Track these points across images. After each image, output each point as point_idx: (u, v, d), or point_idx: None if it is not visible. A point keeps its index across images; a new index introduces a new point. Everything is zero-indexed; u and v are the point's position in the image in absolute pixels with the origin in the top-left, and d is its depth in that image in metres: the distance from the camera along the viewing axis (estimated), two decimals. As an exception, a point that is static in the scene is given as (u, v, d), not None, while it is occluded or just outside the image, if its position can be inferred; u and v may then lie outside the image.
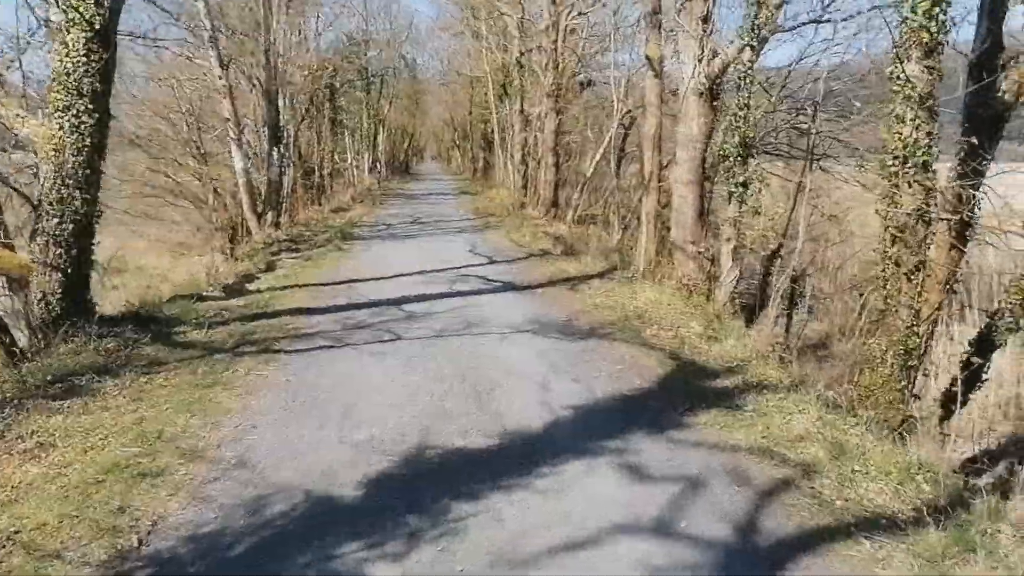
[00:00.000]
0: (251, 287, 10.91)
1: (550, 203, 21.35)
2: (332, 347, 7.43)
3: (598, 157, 20.84)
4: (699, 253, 10.56)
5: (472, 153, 50.55)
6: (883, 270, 6.98)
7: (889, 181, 6.81)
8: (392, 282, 11.36)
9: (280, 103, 19.68)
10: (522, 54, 27.14)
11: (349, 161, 40.87)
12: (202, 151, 19.94)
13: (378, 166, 47.42)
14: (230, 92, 17.07)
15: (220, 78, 16.77)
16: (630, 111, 20.23)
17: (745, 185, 9.77)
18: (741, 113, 9.54)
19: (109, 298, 11.05)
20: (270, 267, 13.04)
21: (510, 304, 9.79)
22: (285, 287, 10.75)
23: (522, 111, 28.11)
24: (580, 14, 20.83)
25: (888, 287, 6.99)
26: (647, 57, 14.22)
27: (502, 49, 31.36)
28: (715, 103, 10.21)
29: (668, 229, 15.96)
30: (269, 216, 18.20)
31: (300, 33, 26.93)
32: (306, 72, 25.80)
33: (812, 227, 13.73)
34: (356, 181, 40.80)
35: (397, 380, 6.30)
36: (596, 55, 26.94)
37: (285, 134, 20.22)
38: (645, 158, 14.52)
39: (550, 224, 19.87)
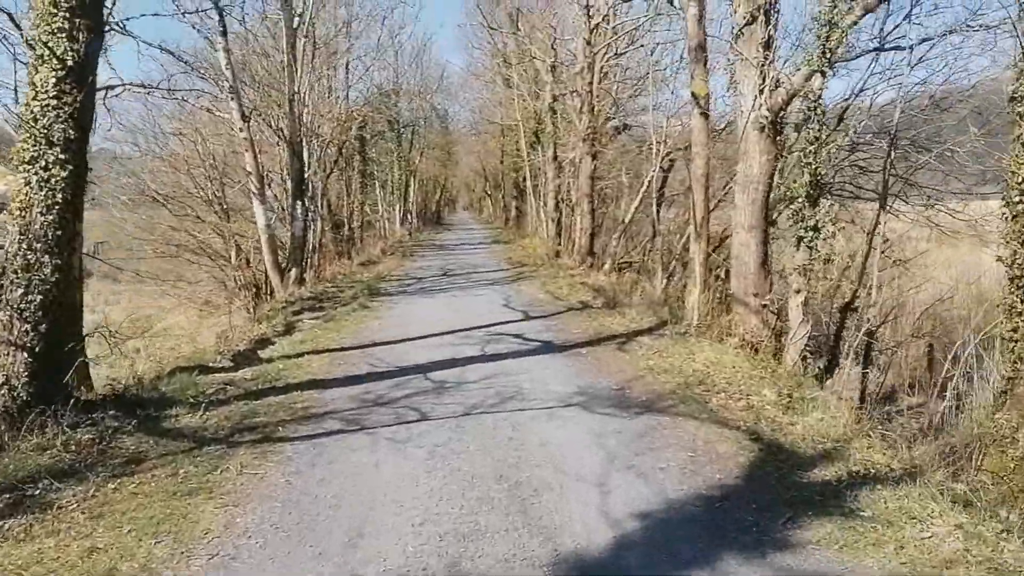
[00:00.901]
0: (264, 354, 9.87)
1: (586, 251, 20.25)
2: (344, 432, 6.29)
3: (637, 202, 19.76)
4: (763, 306, 9.32)
5: (504, 202, 49.94)
6: (1013, 330, 5.68)
7: (1016, 221, 5.56)
8: (419, 344, 10.26)
9: (305, 155, 18.98)
10: (555, 99, 26.39)
11: (380, 213, 40.36)
12: (224, 207, 19.25)
13: (409, 217, 46.92)
14: (252, 145, 16.36)
15: (241, 130, 16.10)
16: (670, 153, 19.20)
17: (816, 229, 8.56)
18: (811, 148, 8.37)
19: (116, 370, 10.13)
20: (289, 329, 12.04)
21: (552, 369, 8.60)
22: (301, 354, 9.69)
23: (555, 157, 27.29)
24: (616, 55, 19.97)
25: (1018, 350, 5.68)
26: (693, 95, 13.18)
27: (534, 96, 30.72)
28: (778, 138, 9.07)
29: (719, 279, 14.76)
30: (293, 273, 17.31)
31: (328, 84, 26.60)
32: (334, 123, 25.34)
33: (882, 273, 12.42)
34: (387, 233, 40.23)
35: (419, 483, 5.10)
36: (630, 99, 26.12)
37: (310, 187, 19.47)
38: (694, 201, 13.39)
39: (587, 274, 18.75)
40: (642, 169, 27.71)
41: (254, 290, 19.41)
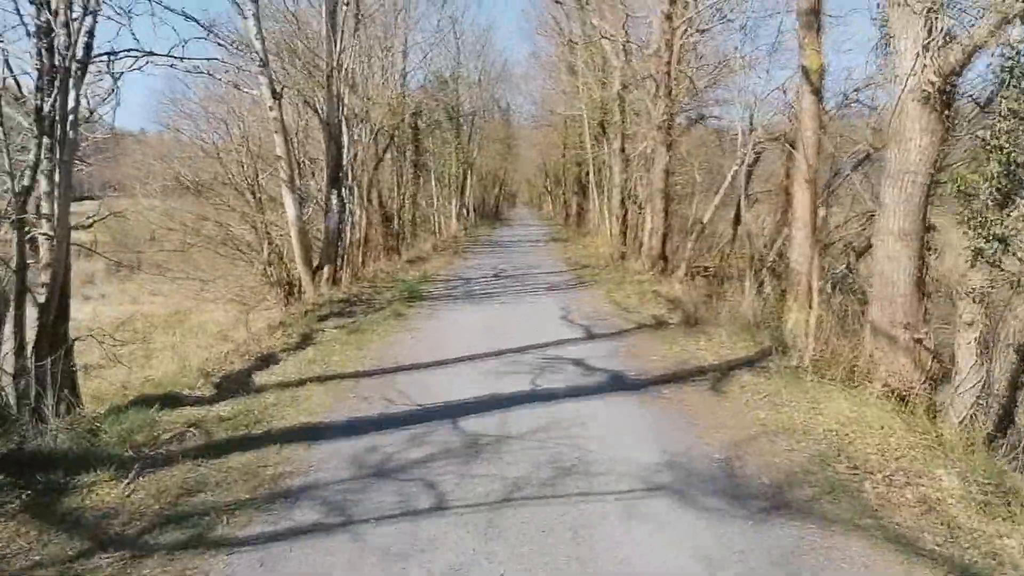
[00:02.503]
0: (260, 378, 7.85)
1: (657, 255, 17.83)
2: (318, 532, 4.17)
3: (718, 200, 17.27)
4: (917, 341, 6.87)
5: (564, 198, 47.59)
6: None
7: None
8: (453, 372, 8.11)
9: (345, 139, 17.05)
10: (624, 87, 23.99)
11: (435, 207, 38.53)
12: (258, 195, 17.47)
13: (465, 212, 45.02)
14: (283, 126, 14.48)
15: (271, 109, 14.22)
16: (758, 144, 16.66)
17: (1004, 241, 6.09)
18: (1004, 125, 5.91)
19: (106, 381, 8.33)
20: (304, 341, 10.05)
21: (625, 419, 6.34)
22: (304, 380, 7.63)
23: (622, 150, 24.89)
24: (700, 31, 17.48)
25: None
26: (803, 68, 10.78)
27: (600, 84, 28.34)
28: (946, 113, 6.61)
29: (828, 296, 12.27)
30: (325, 271, 15.41)
31: (381, 65, 24.78)
32: (385, 108, 23.46)
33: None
34: (441, 228, 38.39)
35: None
36: (708, 87, 23.53)
37: (349, 175, 17.53)
38: (797, 200, 10.95)
39: (658, 280, 16.36)
40: (717, 165, 25.19)
41: (287, 288, 17.61)
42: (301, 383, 7.52)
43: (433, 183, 38.20)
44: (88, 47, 7.19)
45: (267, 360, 8.78)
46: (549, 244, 30.97)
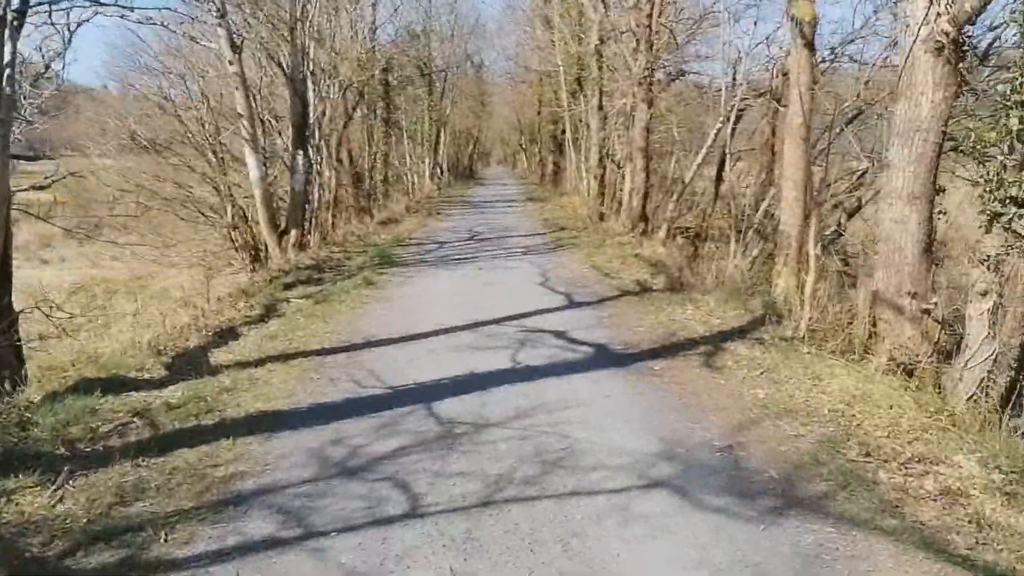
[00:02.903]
0: (217, 356, 7.24)
1: (638, 215, 17.29)
2: (270, 550, 3.63)
3: (700, 159, 16.70)
4: (925, 311, 6.43)
5: (540, 156, 46.78)
6: None
7: None
8: (426, 346, 7.55)
9: (311, 96, 16.18)
10: (602, 41, 23.16)
11: (408, 166, 37.56)
12: (220, 155, 16.59)
13: (439, 171, 44.06)
14: (243, 81, 13.63)
15: (231, 63, 13.36)
16: (744, 99, 16.09)
17: (1020, 203, 5.61)
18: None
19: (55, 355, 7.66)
20: (267, 312, 9.42)
21: (616, 401, 5.84)
22: (265, 359, 7.03)
23: (600, 107, 24.16)
24: (680, -20, 16.73)
25: None
26: (794, 18, 10.15)
27: (576, 39, 27.44)
28: (961, 66, 6.06)
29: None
30: (292, 235, 14.68)
31: (349, 19, 23.68)
32: (354, 63, 22.45)
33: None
34: (415, 188, 37.49)
35: None
36: (688, 41, 22.79)
37: (316, 134, 16.70)
38: (787, 158, 10.42)
39: (640, 242, 15.85)
40: (698, 122, 24.57)
41: (253, 251, 16.87)
42: (261, 362, 6.93)
43: (405, 141, 37.18)
44: None
45: (226, 335, 8.16)
46: (525, 203, 30.31)
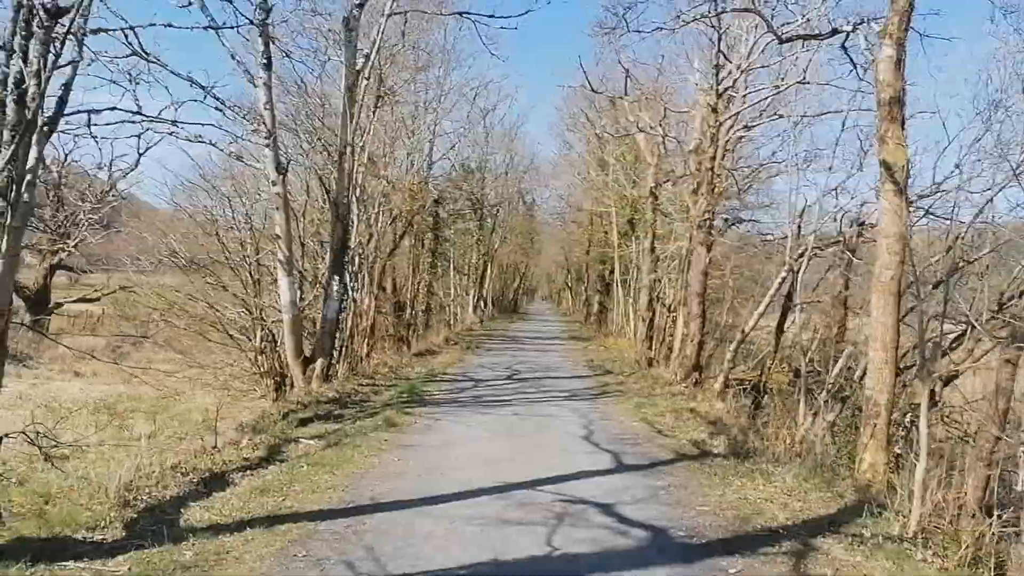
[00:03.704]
0: (192, 513, 5.98)
1: (692, 365, 15.97)
2: None
3: (762, 308, 15.51)
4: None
5: (586, 295, 46.02)
6: None
7: None
8: (443, 518, 6.18)
9: (354, 221, 15.64)
10: (657, 184, 22.73)
11: (452, 297, 37.07)
12: (256, 277, 15.95)
13: (483, 304, 43.55)
14: (284, 203, 13.09)
15: (274, 184, 12.86)
16: (810, 248, 15.02)
17: None
18: None
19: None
20: (271, 455, 8.22)
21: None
22: (246, 522, 5.76)
23: (652, 249, 23.43)
24: (747, 127, 16.16)
25: None
26: (884, 164, 9.22)
27: (631, 182, 27.22)
28: None
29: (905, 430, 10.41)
30: (318, 365, 13.66)
31: (406, 152, 23.78)
32: (406, 192, 22.28)
33: None
34: (457, 319, 36.81)
35: None
36: (748, 187, 22.20)
37: (355, 260, 16.04)
38: (877, 316, 9.12)
39: (693, 394, 14.46)
40: (755, 271, 23.56)
41: (278, 379, 15.85)
42: (241, 526, 5.64)
43: (452, 272, 36.90)
44: (62, 101, 5.75)
45: (213, 482, 6.94)
46: (569, 343, 29.19)
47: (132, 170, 25.88)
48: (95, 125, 8.18)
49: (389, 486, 7.03)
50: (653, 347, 21.74)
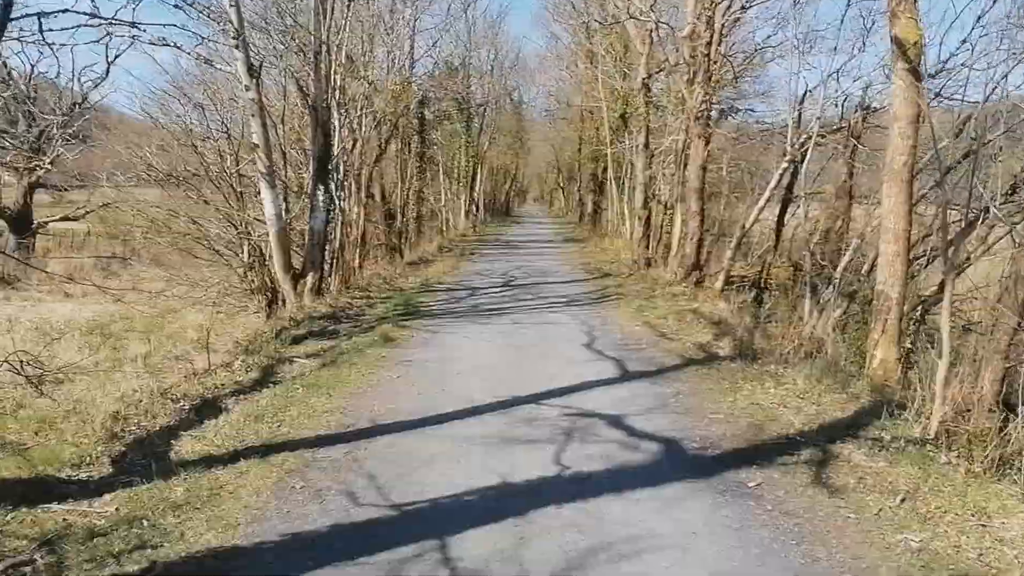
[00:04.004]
0: (183, 444, 5.70)
1: (692, 263, 15.61)
2: None
3: (763, 202, 15.04)
4: None
5: (579, 196, 45.28)
6: None
7: None
8: (446, 438, 5.91)
9: (336, 126, 14.90)
10: (649, 75, 21.77)
11: (442, 203, 36.38)
12: (238, 189, 15.31)
13: (475, 209, 42.87)
14: (260, 109, 12.34)
15: (247, 88, 12.08)
16: (808, 139, 14.44)
17: None
18: None
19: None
20: (264, 376, 7.92)
21: (707, 549, 4.15)
22: (240, 452, 5.48)
23: (647, 145, 22.68)
24: (744, 8, 15.23)
25: None
26: (896, 41, 8.58)
27: (621, 74, 26.13)
28: None
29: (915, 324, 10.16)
30: (308, 279, 13.26)
31: (387, 51, 22.62)
32: (388, 94, 21.31)
33: None
34: (450, 226, 36.26)
35: None
36: (744, 74, 21.28)
37: (340, 168, 15.39)
38: (889, 206, 8.70)
39: (694, 294, 14.18)
40: (753, 163, 22.96)
41: (270, 294, 15.47)
42: (235, 457, 5.36)
43: (441, 178, 36.07)
44: (7, 4, 5.08)
45: (205, 409, 6.64)
46: (564, 245, 28.82)
47: (102, 80, 24.68)
48: (50, 31, 7.51)
49: (388, 406, 6.76)
50: (650, 247, 21.35)
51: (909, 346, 9.30)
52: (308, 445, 5.68)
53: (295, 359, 8.75)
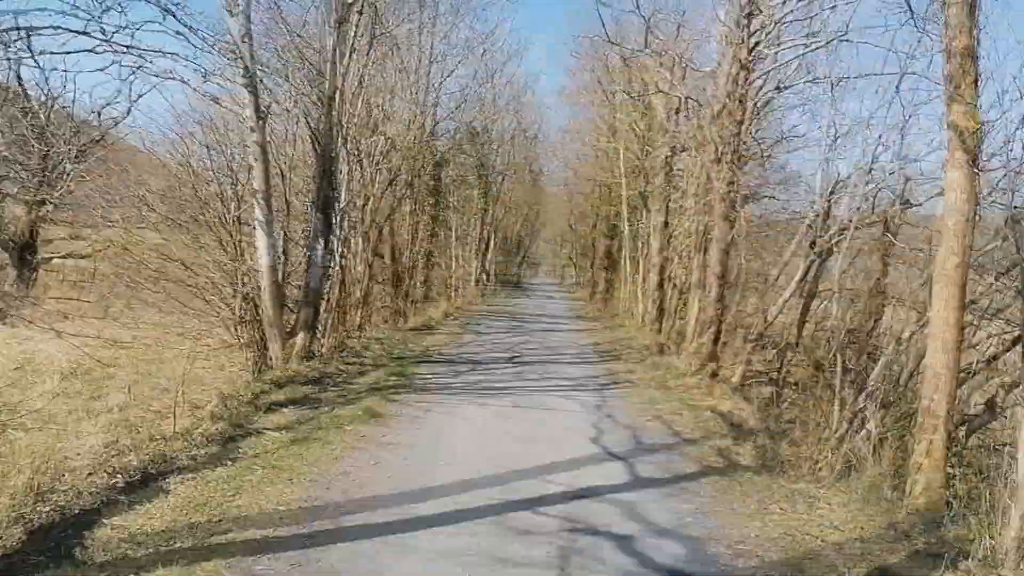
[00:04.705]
0: (101, 532, 4.71)
1: (708, 354, 14.65)
2: None
3: (788, 294, 14.16)
4: None
5: (592, 272, 44.52)
6: None
7: None
8: (423, 547, 4.90)
9: (343, 177, 14.22)
10: (672, 153, 21.29)
11: (453, 269, 35.66)
12: (236, 237, 14.55)
13: (485, 276, 42.20)
14: (263, 153, 11.73)
15: (252, 130, 11.49)
16: (842, 231, 13.62)
17: None
18: None
19: None
20: (226, 446, 6.97)
21: None
22: (166, 549, 4.48)
23: (666, 224, 22.06)
24: (779, 88, 14.67)
25: None
26: (954, 128, 7.78)
27: (644, 151, 25.67)
28: None
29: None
30: (300, 339, 12.36)
31: (411, 112, 22.27)
32: (406, 150, 20.80)
33: None
34: (459, 293, 35.42)
35: None
36: (771, 157, 20.70)
37: (346, 223, 14.67)
38: (940, 311, 7.78)
39: (709, 389, 13.17)
40: (774, 252, 22.16)
41: (259, 352, 14.53)
42: (156, 560, 4.36)
43: (453, 242, 35.46)
44: None
45: (144, 484, 5.66)
46: (574, 322, 27.87)
47: (123, 118, 24.35)
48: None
49: (357, 501, 5.74)
50: (663, 331, 20.43)
51: (950, 470, 8.23)
52: (250, 550, 4.67)
53: (264, 431, 7.79)
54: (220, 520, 5.15)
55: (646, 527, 5.73)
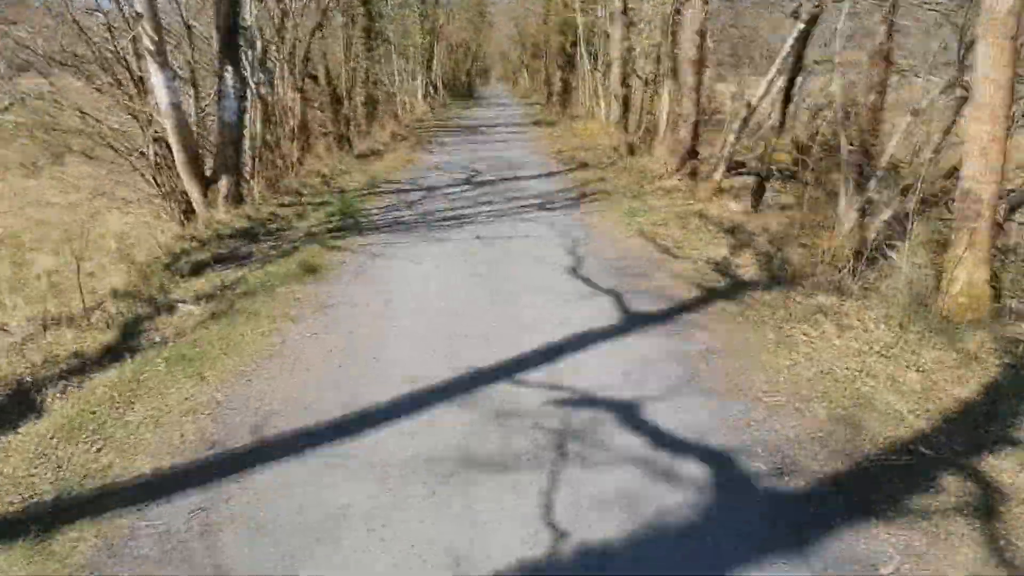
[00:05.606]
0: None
1: (687, 151, 13.20)
2: None
3: (772, 74, 12.50)
4: None
5: (546, 73, 41.68)
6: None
7: None
8: (369, 465, 3.69)
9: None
10: (629, -76, 18.60)
11: (396, 84, 32.90)
12: (138, 75, 12.38)
13: (432, 89, 39.39)
14: (138, -35, 9.40)
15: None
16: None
17: None
18: None
19: None
20: (124, 337, 5.59)
21: None
22: (8, 519, 3.23)
23: (625, 10, 19.75)
24: None
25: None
26: None
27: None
28: None
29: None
30: (223, 184, 10.66)
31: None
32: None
33: None
34: (407, 109, 32.96)
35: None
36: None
37: (256, 43, 12.46)
38: (986, 71, 6.33)
39: (692, 190, 11.91)
40: (750, 29, 20.15)
41: (184, 202, 12.85)
42: (5, 526, 3.12)
43: (394, 57, 32.42)
44: None
45: (12, 406, 4.34)
46: (533, 129, 26.00)
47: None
48: None
49: (287, 398, 4.48)
50: (630, 130, 18.80)
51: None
52: (134, 496, 3.42)
53: (179, 304, 6.40)
54: (101, 446, 3.87)
55: (651, 386, 4.59)
